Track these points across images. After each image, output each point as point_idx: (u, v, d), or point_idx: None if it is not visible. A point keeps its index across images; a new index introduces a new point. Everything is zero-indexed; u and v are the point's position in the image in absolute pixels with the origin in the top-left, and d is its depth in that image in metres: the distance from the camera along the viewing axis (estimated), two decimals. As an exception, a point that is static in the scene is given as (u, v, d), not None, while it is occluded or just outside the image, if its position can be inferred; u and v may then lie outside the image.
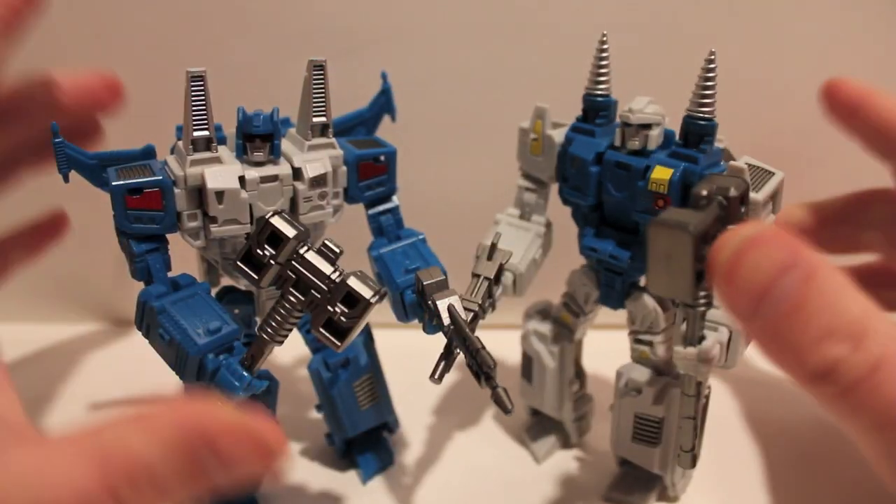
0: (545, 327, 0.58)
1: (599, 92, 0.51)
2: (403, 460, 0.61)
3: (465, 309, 0.46)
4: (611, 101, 0.51)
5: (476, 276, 0.50)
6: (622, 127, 0.49)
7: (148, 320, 0.46)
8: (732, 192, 0.37)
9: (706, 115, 0.46)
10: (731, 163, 0.44)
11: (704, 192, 0.37)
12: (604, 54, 0.50)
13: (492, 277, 0.49)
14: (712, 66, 0.46)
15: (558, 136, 0.53)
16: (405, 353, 0.60)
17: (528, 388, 0.61)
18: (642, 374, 0.54)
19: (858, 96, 0.54)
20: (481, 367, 0.43)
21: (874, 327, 0.32)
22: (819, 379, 0.32)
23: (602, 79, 0.51)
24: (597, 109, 0.51)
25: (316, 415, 0.60)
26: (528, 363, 0.60)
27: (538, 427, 0.63)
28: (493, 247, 0.50)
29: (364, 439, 0.60)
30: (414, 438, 0.64)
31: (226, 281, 0.55)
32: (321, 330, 0.44)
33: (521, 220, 0.56)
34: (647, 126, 0.48)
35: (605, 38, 0.50)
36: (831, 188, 0.60)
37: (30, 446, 0.32)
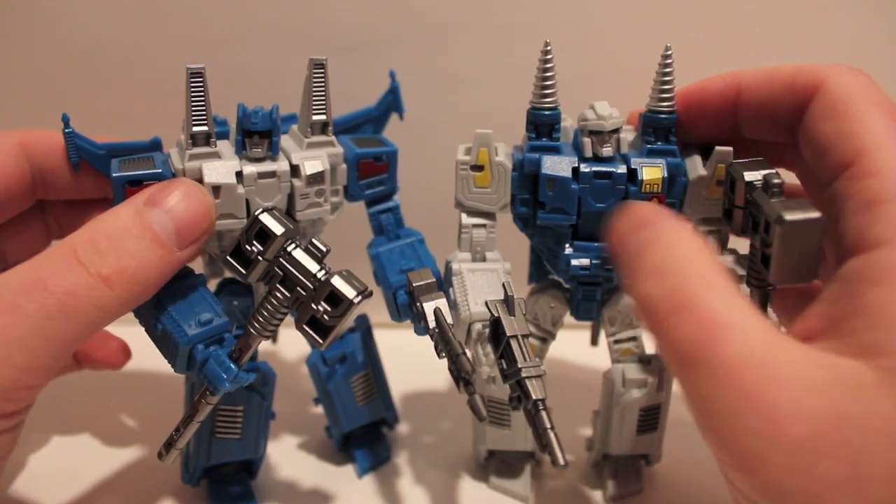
0: None
1: (548, 104, 0.49)
2: (401, 457, 0.61)
3: (535, 376, 0.42)
4: (559, 113, 0.49)
5: (513, 337, 0.43)
6: (589, 136, 0.48)
7: (144, 309, 0.47)
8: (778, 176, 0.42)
9: (667, 109, 0.48)
10: (718, 148, 0.47)
11: (777, 181, 0.41)
12: (548, 65, 0.48)
13: (528, 333, 0.44)
14: (669, 60, 0.47)
15: (506, 160, 0.50)
16: (410, 353, 0.60)
17: (496, 434, 0.57)
18: (634, 370, 0.53)
19: (728, 90, 0.47)
20: (460, 373, 0.43)
21: (687, 279, 0.38)
22: (640, 309, 0.40)
23: (549, 91, 0.48)
24: (550, 123, 0.49)
25: (315, 409, 0.61)
26: (503, 408, 0.56)
27: (504, 466, 0.58)
28: (512, 299, 0.45)
29: (362, 434, 0.61)
30: (413, 436, 0.64)
31: (228, 273, 0.56)
32: (305, 327, 0.44)
33: (479, 263, 0.51)
34: (617, 130, 0.47)
35: (548, 48, 0.48)
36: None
37: None
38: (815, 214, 0.38)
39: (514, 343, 0.43)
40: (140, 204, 0.44)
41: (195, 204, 0.45)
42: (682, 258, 0.39)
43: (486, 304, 0.45)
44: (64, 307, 0.41)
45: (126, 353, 0.61)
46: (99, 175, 0.50)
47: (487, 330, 0.46)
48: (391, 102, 0.58)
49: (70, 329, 0.41)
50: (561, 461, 0.39)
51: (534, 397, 0.41)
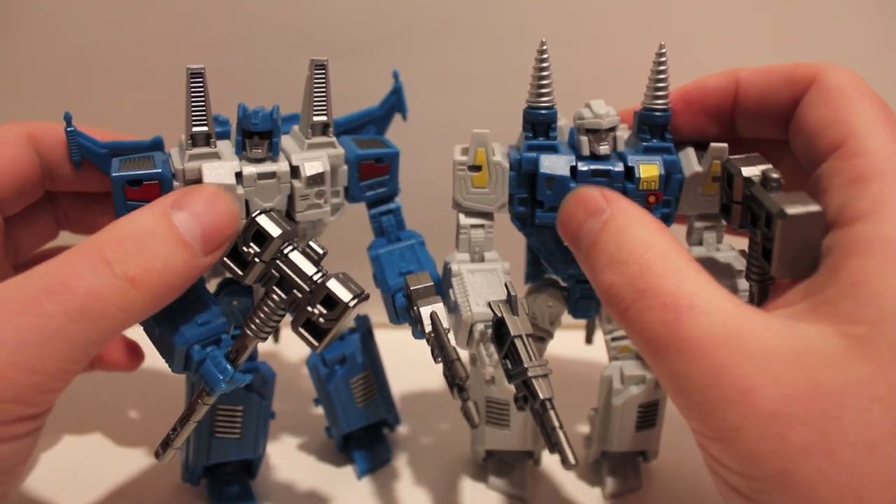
0: None
1: (544, 104, 0.48)
2: (400, 457, 0.61)
3: (542, 375, 0.42)
4: (555, 112, 0.49)
5: (518, 337, 0.43)
6: (586, 134, 0.47)
7: (142, 309, 0.48)
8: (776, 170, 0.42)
9: (662, 107, 0.48)
10: (713, 144, 0.47)
11: (775, 175, 0.41)
12: (544, 64, 0.48)
13: (532, 332, 0.44)
14: (663, 59, 0.47)
15: (503, 160, 0.50)
16: (411, 354, 0.59)
17: (494, 434, 0.57)
18: (632, 367, 0.53)
19: (728, 85, 0.48)
20: (454, 378, 0.42)
21: (647, 264, 0.39)
22: (605, 300, 0.41)
23: (545, 90, 0.48)
24: (546, 123, 0.49)
25: (316, 409, 0.61)
26: (502, 409, 0.56)
27: (503, 466, 0.58)
28: (515, 299, 0.44)
29: (363, 435, 0.61)
30: (412, 436, 0.64)
31: (227, 273, 0.56)
32: (300, 330, 0.44)
33: (478, 263, 0.51)
34: (613, 128, 0.47)
35: (544, 48, 0.47)
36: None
37: None
38: (816, 208, 0.38)
39: (518, 343, 0.43)
40: (167, 206, 0.44)
41: (221, 210, 0.44)
42: (639, 242, 0.40)
43: (489, 304, 0.45)
44: (87, 309, 0.39)
45: (139, 355, 0.61)
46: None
47: (490, 330, 0.46)
48: (395, 103, 0.58)
49: (92, 331, 0.40)
50: (572, 460, 0.39)
51: (541, 397, 0.41)
